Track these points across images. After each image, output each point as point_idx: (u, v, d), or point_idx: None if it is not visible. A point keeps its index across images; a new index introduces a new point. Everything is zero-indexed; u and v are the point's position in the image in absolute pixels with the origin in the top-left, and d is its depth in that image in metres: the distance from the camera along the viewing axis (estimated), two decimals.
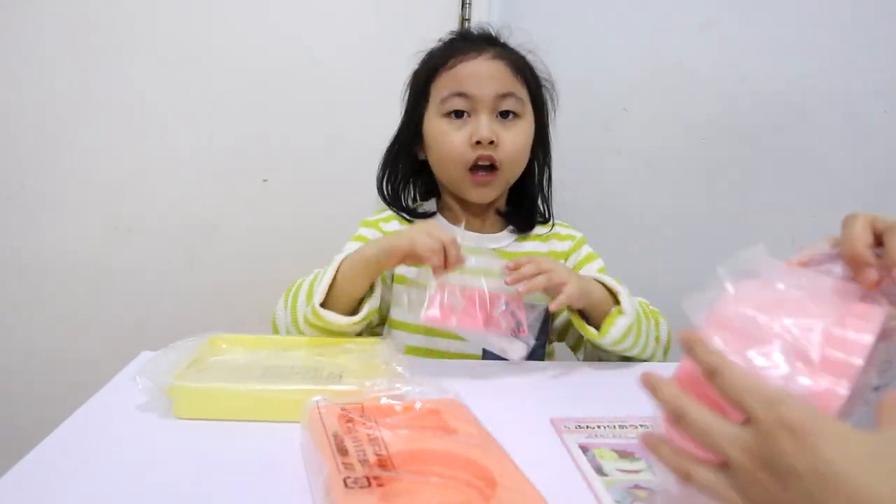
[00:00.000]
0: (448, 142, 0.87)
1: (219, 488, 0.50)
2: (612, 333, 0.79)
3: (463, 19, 1.28)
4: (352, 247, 0.89)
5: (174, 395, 0.61)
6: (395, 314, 0.91)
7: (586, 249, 0.98)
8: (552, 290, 0.77)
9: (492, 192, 0.91)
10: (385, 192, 0.97)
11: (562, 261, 0.95)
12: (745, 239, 1.23)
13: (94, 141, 1.22)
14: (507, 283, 0.76)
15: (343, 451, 0.47)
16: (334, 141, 1.28)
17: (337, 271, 0.78)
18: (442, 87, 0.88)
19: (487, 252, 0.89)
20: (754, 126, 1.11)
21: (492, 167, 0.88)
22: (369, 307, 0.79)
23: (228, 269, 1.29)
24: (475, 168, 0.88)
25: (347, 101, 1.26)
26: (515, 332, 0.77)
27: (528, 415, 0.67)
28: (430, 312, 0.73)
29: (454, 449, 0.49)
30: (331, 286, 0.77)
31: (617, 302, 0.82)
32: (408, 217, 0.95)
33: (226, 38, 1.22)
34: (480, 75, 0.86)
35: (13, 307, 1.25)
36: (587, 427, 0.63)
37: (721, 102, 1.12)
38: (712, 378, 0.37)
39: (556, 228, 0.99)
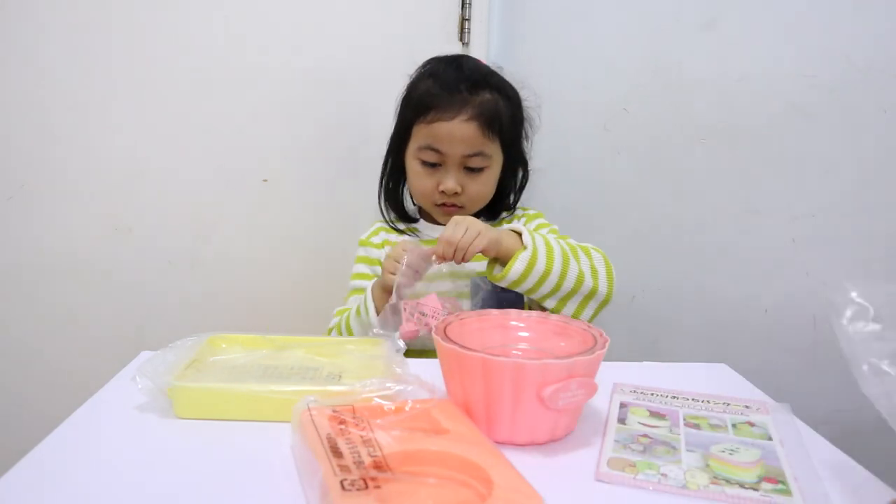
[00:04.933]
0: (420, 183, 1.00)
1: (219, 488, 0.50)
2: (516, 267, 0.83)
3: (463, 19, 1.28)
4: (357, 269, 1.05)
5: (174, 395, 0.61)
6: None
7: (540, 220, 1.08)
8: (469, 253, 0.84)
9: None
10: (384, 201, 1.08)
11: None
12: (745, 239, 1.23)
13: (94, 141, 1.22)
14: (438, 264, 0.86)
15: (337, 454, 0.47)
16: (334, 141, 1.28)
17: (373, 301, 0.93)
18: (420, 137, 0.98)
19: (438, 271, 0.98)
20: (754, 126, 1.11)
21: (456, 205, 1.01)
22: None
23: (228, 269, 1.30)
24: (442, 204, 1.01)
25: (347, 101, 1.27)
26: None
27: None
28: (405, 328, 0.83)
29: (450, 449, 0.49)
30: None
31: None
32: (392, 226, 1.08)
33: (226, 38, 1.22)
34: (453, 138, 0.95)
35: (13, 307, 1.25)
36: (641, 393, 0.70)
37: (721, 102, 1.12)
38: None
39: (518, 211, 1.11)
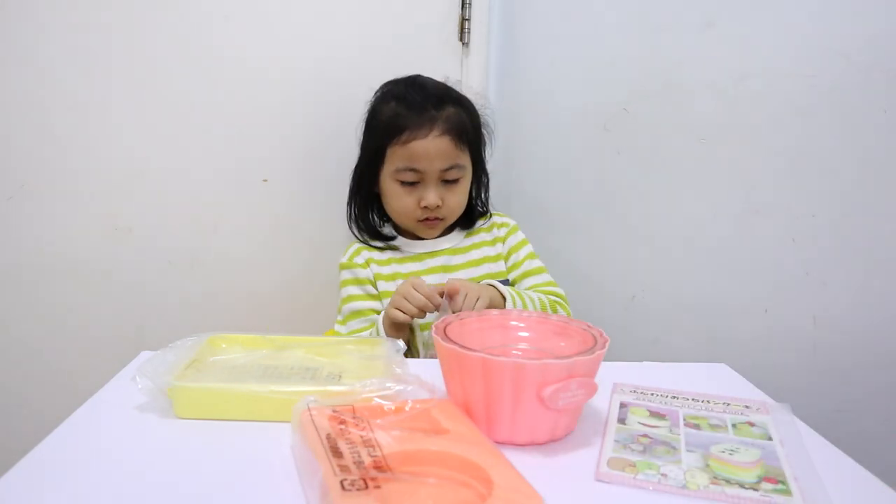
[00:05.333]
0: (401, 203, 1.04)
1: (219, 488, 0.50)
2: None
3: (463, 19, 1.28)
4: (349, 292, 1.05)
5: (174, 395, 0.61)
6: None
7: (520, 235, 1.13)
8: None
9: (437, 231, 1.08)
10: (356, 224, 1.11)
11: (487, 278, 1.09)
12: (746, 239, 1.23)
13: (94, 141, 1.22)
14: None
15: (337, 454, 0.47)
16: (334, 141, 1.28)
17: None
18: (397, 159, 1.02)
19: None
20: (754, 126, 1.11)
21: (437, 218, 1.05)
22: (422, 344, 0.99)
23: (228, 269, 1.30)
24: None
25: (347, 101, 1.26)
26: None
27: None
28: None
29: (450, 449, 0.49)
30: None
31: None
32: (372, 244, 1.09)
33: (226, 37, 1.22)
34: (430, 154, 1.00)
35: (13, 307, 1.25)
36: (641, 393, 0.70)
37: (721, 102, 1.12)
38: None
39: (494, 218, 1.14)
